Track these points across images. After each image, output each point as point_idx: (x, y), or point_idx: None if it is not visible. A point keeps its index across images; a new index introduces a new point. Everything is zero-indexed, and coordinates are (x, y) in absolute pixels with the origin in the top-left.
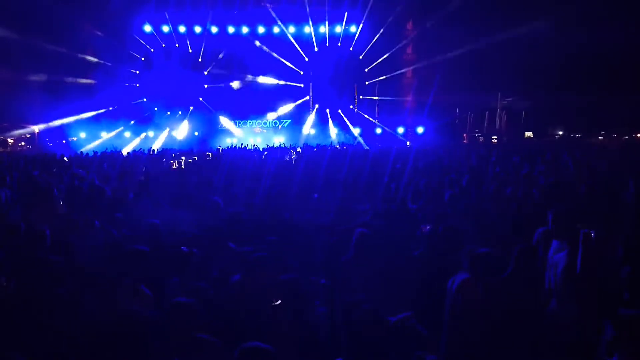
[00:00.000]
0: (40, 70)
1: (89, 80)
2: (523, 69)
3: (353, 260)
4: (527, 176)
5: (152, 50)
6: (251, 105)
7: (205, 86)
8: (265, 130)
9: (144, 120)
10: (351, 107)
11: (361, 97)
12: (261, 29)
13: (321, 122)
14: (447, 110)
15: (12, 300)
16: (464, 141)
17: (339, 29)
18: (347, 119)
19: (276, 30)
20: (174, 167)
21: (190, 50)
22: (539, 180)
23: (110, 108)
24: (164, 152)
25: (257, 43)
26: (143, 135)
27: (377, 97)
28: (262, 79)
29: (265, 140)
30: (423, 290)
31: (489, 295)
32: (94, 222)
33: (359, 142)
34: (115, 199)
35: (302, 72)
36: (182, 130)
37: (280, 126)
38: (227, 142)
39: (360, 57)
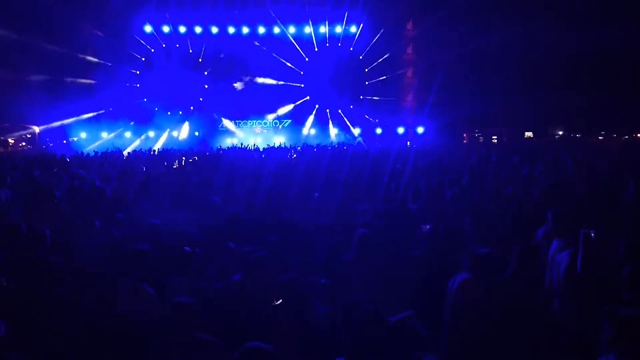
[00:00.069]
0: (40, 71)
1: (89, 81)
2: (522, 69)
3: (354, 261)
4: (527, 176)
5: (153, 50)
6: (251, 106)
7: (206, 86)
8: (265, 131)
9: (144, 120)
10: (351, 107)
11: (361, 97)
12: (261, 29)
13: (321, 122)
14: (447, 110)
15: (12, 300)
16: (464, 141)
17: (339, 29)
18: (347, 119)
19: (276, 30)
20: (175, 167)
21: (190, 51)
22: (539, 180)
23: (111, 108)
24: (164, 152)
25: (257, 43)
26: (143, 136)
27: (377, 97)
28: (262, 79)
29: (266, 141)
30: (423, 290)
31: (489, 295)
32: (94, 222)
33: (359, 142)
34: (115, 199)
35: (302, 72)
36: (183, 131)
37: (280, 126)
38: (228, 142)
39: (361, 57)
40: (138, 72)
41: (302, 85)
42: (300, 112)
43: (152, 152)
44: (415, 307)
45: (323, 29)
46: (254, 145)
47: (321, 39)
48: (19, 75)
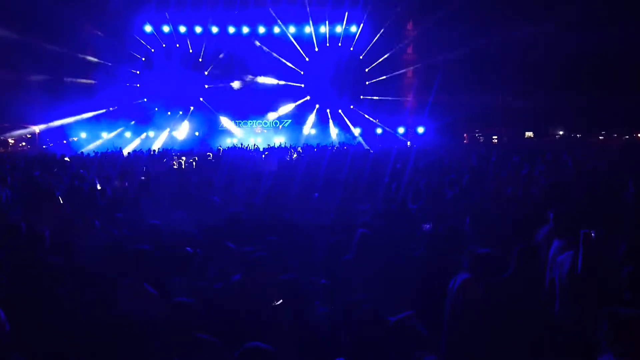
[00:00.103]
0: (40, 71)
1: (89, 81)
2: (523, 69)
3: (354, 261)
4: (527, 176)
5: (153, 50)
6: (252, 106)
7: (206, 86)
8: (265, 131)
9: (144, 120)
10: (351, 107)
11: (362, 97)
12: (262, 29)
13: (321, 122)
14: (448, 110)
15: (12, 300)
16: (465, 141)
17: (339, 29)
18: (348, 119)
19: (277, 30)
20: (175, 167)
21: (190, 51)
22: (539, 180)
23: (111, 108)
24: (165, 152)
25: (257, 43)
26: (144, 135)
27: (377, 97)
28: (263, 79)
29: (266, 141)
30: (423, 291)
31: (489, 295)
32: (94, 222)
33: (359, 142)
34: (115, 199)
35: (302, 72)
36: (182, 131)
37: (280, 126)
38: (228, 142)
39: (361, 57)
40: (138, 72)
41: (303, 85)
42: (300, 112)
43: (152, 152)
44: (415, 307)
45: (323, 29)
46: (255, 145)
47: (321, 39)
48: (19, 75)
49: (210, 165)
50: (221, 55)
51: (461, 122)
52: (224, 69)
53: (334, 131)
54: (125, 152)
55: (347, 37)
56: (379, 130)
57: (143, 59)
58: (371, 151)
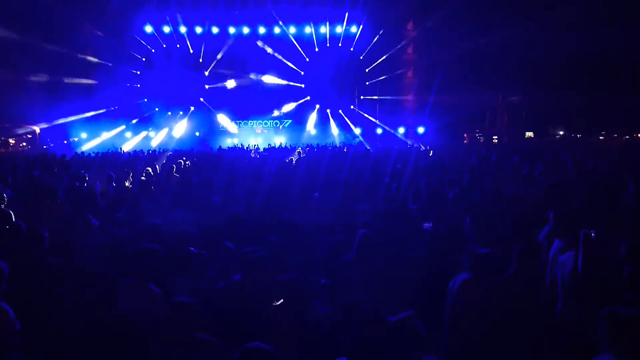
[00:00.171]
0: (41, 71)
1: (89, 81)
2: (523, 68)
3: (354, 261)
4: (527, 176)
5: (153, 50)
6: (252, 106)
7: (206, 86)
8: (266, 131)
9: (144, 120)
10: (352, 107)
11: (362, 97)
12: (262, 30)
13: (322, 122)
14: (448, 110)
15: (12, 300)
16: (465, 141)
17: (339, 29)
18: (348, 119)
19: (277, 30)
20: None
21: (191, 51)
22: (539, 181)
23: (112, 108)
24: (165, 152)
25: (260, 43)
26: (144, 133)
27: (377, 97)
28: (265, 78)
29: (267, 141)
30: (423, 291)
31: (490, 295)
32: (95, 222)
33: (360, 142)
34: (115, 199)
35: (302, 73)
36: (179, 128)
37: (281, 126)
38: (228, 142)
39: (361, 57)
40: (138, 72)
41: (303, 86)
42: (301, 112)
43: (152, 152)
44: (416, 307)
45: (324, 29)
46: (255, 145)
47: (322, 39)
48: (20, 76)
49: (210, 165)
50: (219, 56)
51: (461, 122)
52: (224, 69)
53: (334, 131)
54: (124, 148)
55: (348, 37)
56: (379, 131)
57: (143, 59)
58: (371, 151)
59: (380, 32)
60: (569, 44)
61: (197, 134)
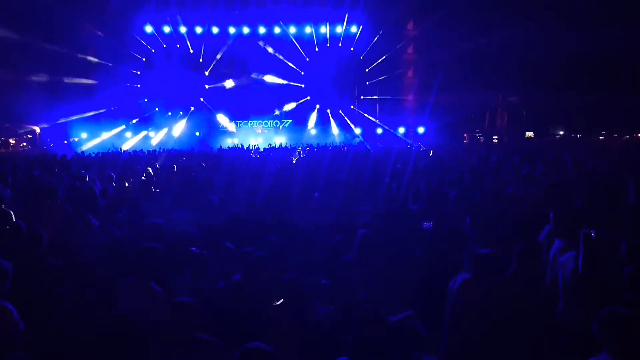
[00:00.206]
0: (41, 71)
1: (90, 81)
2: (523, 68)
3: (355, 261)
4: (527, 176)
5: (153, 50)
6: (252, 106)
7: (206, 86)
8: (266, 131)
9: (144, 120)
10: (352, 107)
11: (362, 97)
12: (262, 29)
13: (322, 122)
14: (448, 110)
15: (12, 300)
16: (465, 141)
17: (339, 29)
18: (348, 119)
19: (277, 30)
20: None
21: (191, 51)
22: (539, 180)
23: (112, 108)
24: (164, 152)
25: (261, 43)
26: (144, 132)
27: (377, 97)
28: (266, 77)
29: (267, 141)
30: (424, 291)
31: (490, 295)
32: (95, 222)
33: (360, 142)
34: (116, 199)
35: (303, 72)
36: (178, 128)
37: (281, 126)
38: (228, 142)
39: (361, 57)
40: (139, 72)
41: (303, 85)
42: (301, 112)
43: (152, 152)
44: (416, 307)
45: (324, 29)
46: (255, 145)
47: (322, 39)
48: (20, 76)
49: (211, 165)
50: (219, 56)
51: (461, 122)
52: (224, 69)
53: (334, 131)
54: (123, 148)
55: (348, 37)
56: (379, 130)
57: (143, 59)
58: (372, 151)
59: (380, 32)
60: (569, 44)
61: (197, 134)
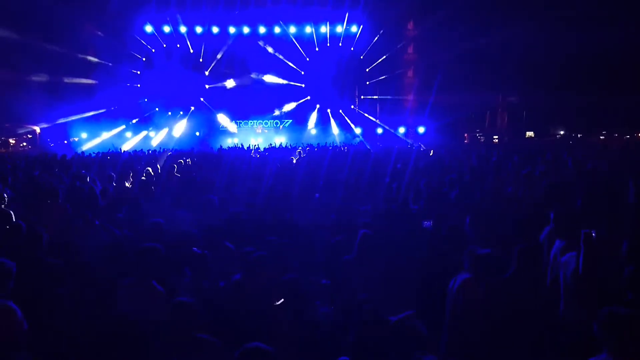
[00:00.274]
0: (41, 71)
1: (90, 81)
2: (524, 68)
3: (355, 261)
4: (527, 176)
5: (153, 50)
6: (252, 106)
7: (207, 86)
8: (266, 131)
9: (144, 120)
10: (352, 107)
11: (362, 97)
12: (262, 29)
13: (322, 122)
14: (448, 110)
15: (12, 300)
16: (465, 141)
17: (340, 29)
18: (349, 119)
19: (277, 30)
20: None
21: (191, 51)
22: (539, 181)
23: (112, 108)
24: (165, 152)
25: (261, 43)
26: (144, 133)
27: (378, 97)
28: (265, 77)
29: (267, 141)
30: (424, 291)
31: (490, 295)
32: (95, 222)
33: (360, 142)
34: (116, 199)
35: (303, 72)
36: (179, 128)
37: (281, 126)
38: (229, 142)
39: (362, 57)
40: (139, 72)
41: (303, 85)
42: (301, 112)
43: (152, 152)
44: (416, 307)
45: (324, 29)
46: (255, 145)
47: (322, 39)
48: (20, 76)
49: (211, 165)
50: (219, 56)
51: (462, 122)
52: (224, 69)
53: (334, 131)
54: (124, 148)
55: (348, 37)
56: (379, 130)
57: (144, 59)
58: (372, 151)
59: (381, 32)
60: (569, 44)
61: (197, 133)
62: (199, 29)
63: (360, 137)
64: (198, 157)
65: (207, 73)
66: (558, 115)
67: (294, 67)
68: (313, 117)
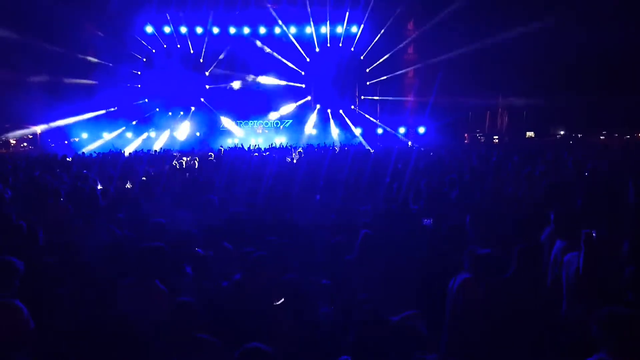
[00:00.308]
0: (42, 71)
1: (90, 81)
2: (524, 68)
3: (356, 261)
4: (527, 176)
5: (154, 50)
6: (252, 106)
7: (207, 87)
8: (267, 131)
9: (145, 120)
10: (352, 107)
11: (362, 97)
12: (262, 30)
13: (322, 123)
14: (449, 110)
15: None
16: (466, 141)
17: (340, 29)
18: (349, 119)
19: (277, 30)
20: (177, 167)
21: (191, 51)
22: (539, 180)
23: (112, 109)
24: (166, 153)
25: (259, 43)
26: (145, 135)
27: (378, 97)
28: (264, 79)
29: (267, 141)
30: (424, 290)
31: (490, 295)
32: (96, 222)
33: (360, 142)
34: (117, 199)
35: (303, 73)
36: (182, 131)
37: (281, 126)
38: (229, 142)
39: (362, 58)
40: (139, 73)
41: (303, 86)
42: (301, 112)
43: (153, 153)
44: (416, 307)
45: (324, 29)
46: (256, 145)
47: (322, 39)
48: (20, 76)
49: (211, 165)
50: (221, 56)
51: (462, 122)
52: (224, 69)
53: (335, 131)
54: (126, 152)
55: (348, 37)
56: (379, 131)
57: (144, 59)
58: (372, 151)
59: (381, 32)
60: (569, 44)
61: (198, 134)
62: (199, 30)
63: (360, 137)
64: (200, 157)
65: (207, 73)
66: (558, 115)
67: (294, 67)
68: (312, 118)
